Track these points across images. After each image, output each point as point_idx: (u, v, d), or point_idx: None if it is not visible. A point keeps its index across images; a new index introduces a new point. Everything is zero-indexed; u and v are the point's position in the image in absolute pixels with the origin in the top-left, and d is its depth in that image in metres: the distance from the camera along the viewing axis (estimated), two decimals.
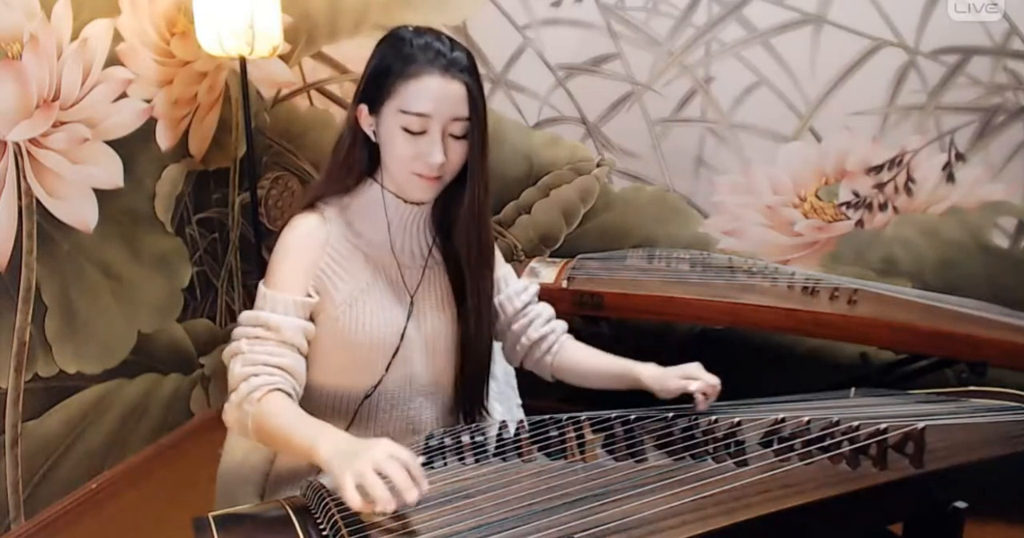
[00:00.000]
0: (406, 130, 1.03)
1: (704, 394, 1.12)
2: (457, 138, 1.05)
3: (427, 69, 1.01)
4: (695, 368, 1.16)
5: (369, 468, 0.81)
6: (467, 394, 1.20)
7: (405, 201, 1.11)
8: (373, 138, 1.08)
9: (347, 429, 1.11)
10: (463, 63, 1.03)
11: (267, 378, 1.00)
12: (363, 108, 1.07)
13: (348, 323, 1.08)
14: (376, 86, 1.05)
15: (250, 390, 0.98)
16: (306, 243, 1.07)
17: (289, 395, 1.00)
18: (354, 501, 0.80)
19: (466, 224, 1.12)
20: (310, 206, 1.11)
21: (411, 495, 0.80)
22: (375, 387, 1.13)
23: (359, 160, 1.11)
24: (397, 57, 1.03)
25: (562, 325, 1.29)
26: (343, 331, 1.09)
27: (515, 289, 1.26)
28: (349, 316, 1.08)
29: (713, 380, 1.13)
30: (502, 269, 1.26)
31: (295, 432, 0.93)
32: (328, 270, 1.08)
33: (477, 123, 1.04)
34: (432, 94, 1.01)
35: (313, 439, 0.90)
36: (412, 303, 1.13)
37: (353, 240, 1.11)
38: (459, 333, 1.17)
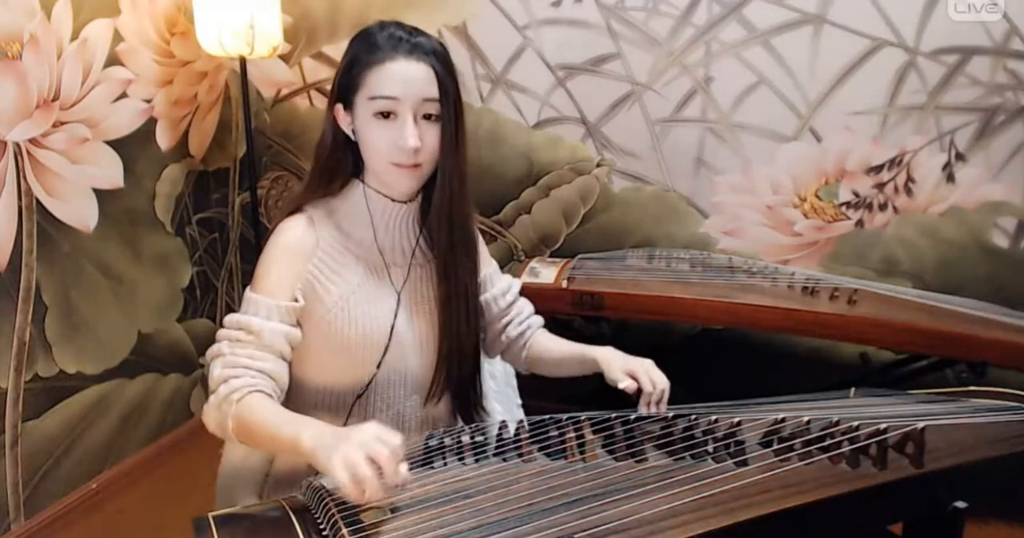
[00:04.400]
0: (378, 116, 1.03)
1: (649, 400, 1.08)
2: (430, 121, 1.05)
3: (390, 54, 1.02)
4: (642, 366, 1.11)
5: (358, 453, 0.81)
6: (457, 391, 1.20)
7: (392, 200, 1.11)
8: (352, 137, 1.08)
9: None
10: (427, 46, 1.04)
11: (247, 380, 0.99)
12: (339, 107, 1.08)
13: (340, 324, 1.08)
14: (347, 81, 1.06)
15: (229, 391, 0.98)
16: (294, 248, 1.07)
17: (270, 396, 1.00)
18: (347, 487, 0.80)
19: (438, 212, 1.11)
20: (297, 209, 1.11)
21: (396, 478, 0.81)
22: (367, 386, 1.13)
23: (342, 163, 1.11)
24: (363, 49, 1.05)
25: (538, 321, 1.31)
26: (335, 332, 1.09)
27: (500, 289, 1.27)
28: (340, 317, 1.08)
29: (650, 385, 1.08)
30: (488, 268, 1.26)
31: (278, 427, 0.93)
32: (318, 273, 1.07)
33: (449, 107, 1.04)
34: (398, 76, 1.02)
35: (296, 432, 0.89)
36: (399, 300, 1.13)
37: (342, 241, 1.10)
38: (443, 329, 1.16)
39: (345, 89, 1.06)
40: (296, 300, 1.05)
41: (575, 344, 1.24)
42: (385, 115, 1.03)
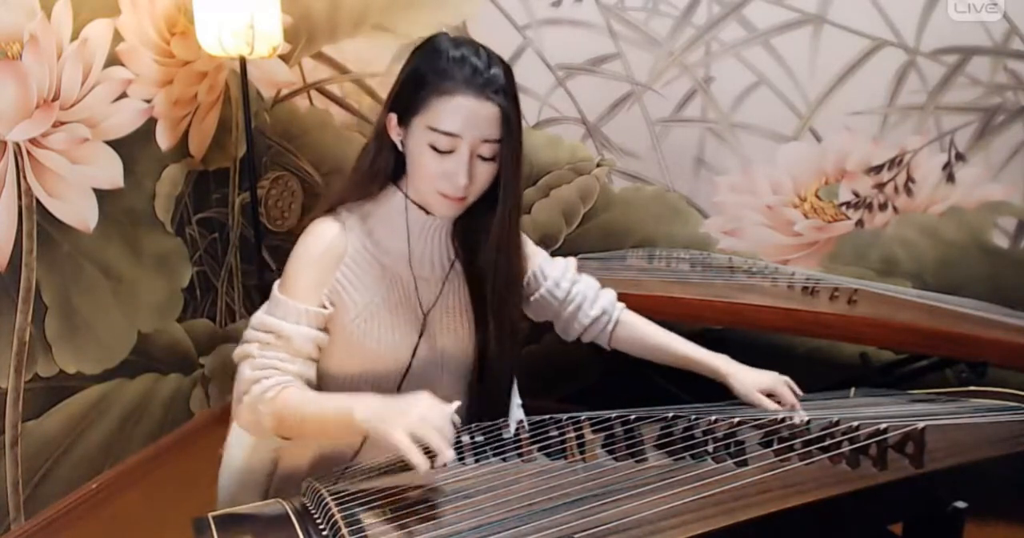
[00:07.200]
0: (433, 148, 1.00)
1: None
2: (485, 160, 1.02)
3: (461, 88, 0.98)
4: (778, 381, 1.17)
5: (419, 422, 0.84)
6: (487, 411, 1.19)
7: (427, 212, 1.09)
8: (400, 148, 1.06)
9: (361, 445, 1.11)
10: (499, 82, 0.99)
11: (279, 378, 1.00)
12: (392, 117, 1.05)
13: (361, 337, 1.07)
14: (408, 97, 1.02)
15: (263, 390, 0.99)
16: (324, 254, 1.05)
17: (304, 388, 1.01)
18: (418, 459, 0.82)
19: (494, 248, 1.09)
20: (331, 211, 1.09)
21: (448, 455, 0.83)
22: None
23: (384, 167, 1.08)
24: (432, 70, 1.00)
25: (610, 298, 1.28)
26: (356, 344, 1.07)
27: (555, 278, 1.25)
28: (363, 330, 1.07)
29: (792, 399, 1.15)
30: (536, 259, 1.24)
31: (323, 406, 0.95)
32: (345, 281, 1.06)
33: (510, 144, 1.01)
34: (463, 114, 0.98)
35: (347, 405, 0.91)
36: (425, 321, 1.11)
37: (372, 250, 1.08)
38: (477, 351, 1.15)
39: (404, 105, 1.02)
40: (325, 306, 1.05)
41: (679, 341, 1.24)
42: (441, 148, 1.00)
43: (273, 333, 1.02)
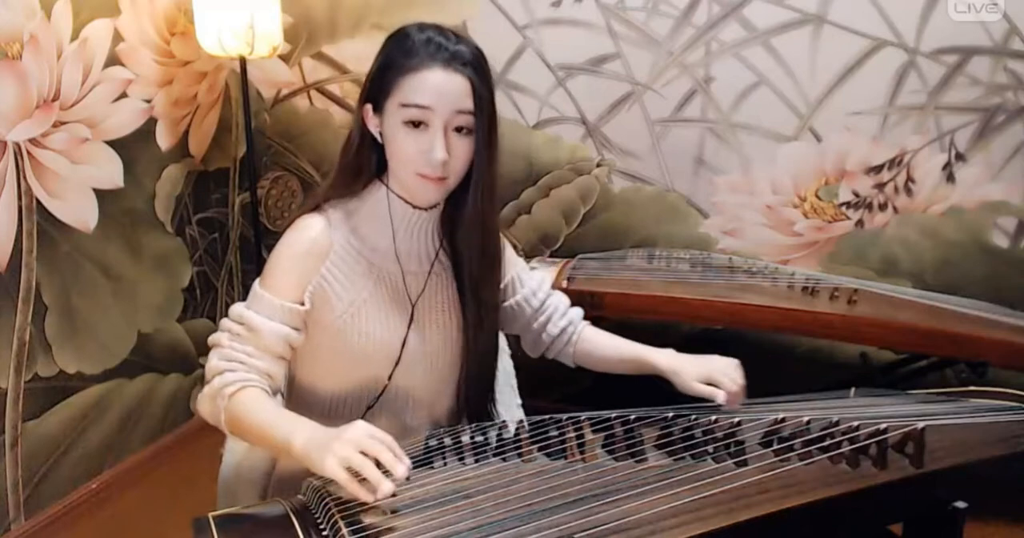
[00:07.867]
0: (408, 124, 1.00)
1: (732, 399, 1.12)
2: (461, 134, 1.02)
3: (427, 63, 0.99)
4: (718, 370, 1.13)
5: (351, 450, 0.82)
6: (471, 401, 1.19)
7: (413, 206, 1.09)
8: (379, 139, 1.06)
9: None
10: (466, 56, 1.01)
11: (242, 375, 0.99)
12: (368, 108, 1.05)
13: (349, 333, 1.07)
14: (379, 83, 1.03)
15: (223, 385, 0.98)
16: (309, 249, 1.05)
17: (264, 391, 1.00)
18: (351, 486, 0.80)
19: (468, 229, 1.09)
20: (316, 208, 1.09)
21: (399, 470, 0.81)
22: (378, 398, 1.12)
23: (366, 163, 1.08)
24: (399, 52, 1.02)
25: (578, 313, 1.29)
26: (344, 341, 1.07)
27: (531, 288, 1.25)
28: (350, 326, 1.07)
29: (734, 387, 1.11)
30: (515, 267, 1.25)
31: (270, 428, 0.93)
32: (330, 277, 1.06)
33: (483, 120, 1.01)
34: (432, 86, 0.99)
35: (287, 435, 0.89)
36: (413, 311, 1.12)
37: (357, 246, 1.08)
38: (464, 348, 1.15)
39: (376, 91, 1.03)
40: (303, 303, 1.04)
41: (631, 345, 1.23)
42: (415, 124, 1.00)
43: (245, 325, 1.02)
